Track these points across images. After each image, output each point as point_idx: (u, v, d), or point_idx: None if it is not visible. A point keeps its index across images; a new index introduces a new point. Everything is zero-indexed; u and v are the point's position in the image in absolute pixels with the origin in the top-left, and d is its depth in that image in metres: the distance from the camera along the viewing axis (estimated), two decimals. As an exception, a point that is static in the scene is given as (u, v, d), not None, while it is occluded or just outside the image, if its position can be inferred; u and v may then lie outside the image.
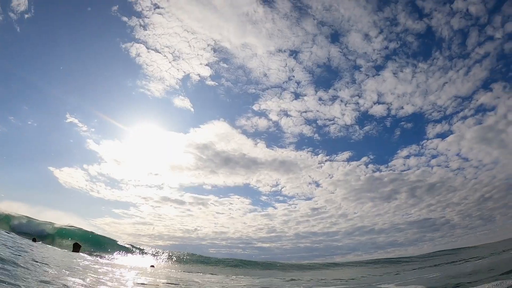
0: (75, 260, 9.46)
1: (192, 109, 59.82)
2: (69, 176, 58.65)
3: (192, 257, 36.04)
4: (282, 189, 61.12)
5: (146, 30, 52.03)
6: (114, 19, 56.11)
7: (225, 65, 58.52)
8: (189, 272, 20.22)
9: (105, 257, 25.88)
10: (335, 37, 59.21)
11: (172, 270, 18.08)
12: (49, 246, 15.02)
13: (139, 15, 51.93)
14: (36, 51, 56.83)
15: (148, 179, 70.18)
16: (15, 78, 57.34)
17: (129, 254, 32.14)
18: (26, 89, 58.40)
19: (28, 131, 58.96)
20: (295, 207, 59.47)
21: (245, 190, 70.00)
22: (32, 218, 31.45)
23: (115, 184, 69.56)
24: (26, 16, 50.65)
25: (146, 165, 72.08)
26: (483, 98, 48.66)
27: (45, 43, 57.66)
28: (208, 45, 55.09)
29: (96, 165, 62.29)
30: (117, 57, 59.49)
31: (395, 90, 56.10)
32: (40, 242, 14.84)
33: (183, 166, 62.02)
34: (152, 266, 16.74)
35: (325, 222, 58.46)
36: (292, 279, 14.45)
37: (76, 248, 13.33)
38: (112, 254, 28.99)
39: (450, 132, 53.67)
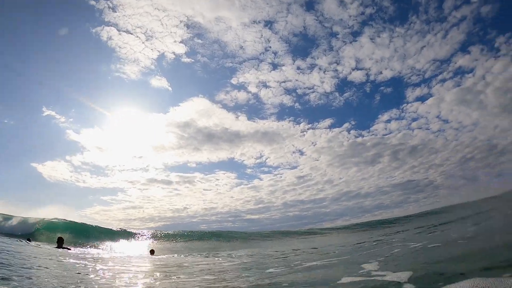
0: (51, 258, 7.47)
1: (170, 88, 57.62)
2: (52, 169, 56.44)
3: (189, 234, 35.23)
4: (267, 160, 61.66)
5: (116, 11, 48.65)
6: (81, 2, 51.51)
7: (199, 41, 56.65)
8: (189, 250, 19.52)
9: (96, 246, 24.21)
10: (310, 5, 57.81)
11: (174, 255, 16.58)
12: (42, 244, 13.42)
13: None
14: (6, 40, 51.36)
15: (133, 163, 68.66)
16: None
17: (123, 241, 30.61)
18: (2, 84, 53.52)
19: (5, 129, 55.44)
20: (281, 177, 59.46)
21: (230, 165, 69.34)
22: (22, 217, 29.38)
23: (101, 172, 67.63)
24: None
25: (129, 149, 69.76)
26: (461, 60, 48.97)
27: (8, 38, 52.21)
28: (181, 21, 52.32)
29: (79, 154, 59.31)
30: (88, 42, 55.41)
31: (373, 56, 55.48)
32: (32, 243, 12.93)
33: (166, 146, 60.67)
34: (152, 251, 15.09)
35: (311, 189, 59.15)
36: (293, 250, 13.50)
37: (60, 242, 11.32)
38: (104, 242, 27.47)
39: (430, 95, 53.86)
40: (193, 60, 58.25)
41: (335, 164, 60.33)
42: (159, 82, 55.83)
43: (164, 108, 73.19)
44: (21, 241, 11.62)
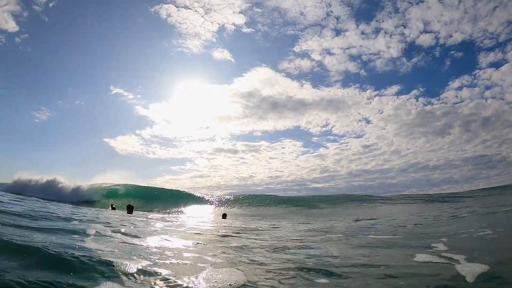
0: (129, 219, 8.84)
1: (232, 59, 59.09)
2: (124, 143, 63.66)
3: (257, 198, 36.10)
4: (333, 129, 61.46)
5: None
6: None
7: (258, 10, 56.64)
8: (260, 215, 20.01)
9: (169, 211, 25.93)
10: (373, -37, 52.33)
11: (247, 218, 18.17)
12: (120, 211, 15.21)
13: None
14: (68, 34, 58.11)
15: (200, 133, 72.97)
16: (54, 65, 59.97)
17: (195, 205, 32.50)
18: (66, 72, 61.26)
19: (77, 110, 63.49)
20: (347, 146, 58.80)
21: (296, 133, 70.60)
22: (97, 184, 33.13)
23: (169, 143, 74.24)
24: (50, 5, 50.42)
25: (195, 120, 75.37)
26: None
27: (75, 25, 58.54)
28: None
29: (148, 128, 65.94)
30: (148, 21, 58.99)
31: (442, 17, 51.19)
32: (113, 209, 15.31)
33: (232, 116, 64.02)
34: (224, 214, 16.80)
35: (377, 159, 57.50)
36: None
37: (130, 209, 12.88)
38: (178, 206, 29.27)
39: (505, 61, 48.17)
40: (253, 30, 58.33)
41: (402, 134, 57.73)
42: (221, 54, 57.43)
43: (228, 79, 76.78)
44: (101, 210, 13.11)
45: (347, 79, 63.06)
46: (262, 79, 59.88)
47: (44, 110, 57.04)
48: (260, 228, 9.32)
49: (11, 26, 48.87)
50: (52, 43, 59.48)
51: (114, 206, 17.31)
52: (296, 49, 59.37)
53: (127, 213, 12.16)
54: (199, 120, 75.04)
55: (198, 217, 15.29)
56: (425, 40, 52.72)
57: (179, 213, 22.54)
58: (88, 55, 62.92)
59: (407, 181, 54.40)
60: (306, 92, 60.41)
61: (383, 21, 53.52)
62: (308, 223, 12.64)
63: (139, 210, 18.65)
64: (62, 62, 61.45)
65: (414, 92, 55.54)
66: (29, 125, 59.06)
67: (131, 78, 67.62)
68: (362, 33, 54.99)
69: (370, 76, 59.66)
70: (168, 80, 66.80)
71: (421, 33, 51.88)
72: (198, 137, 65.31)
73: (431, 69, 56.74)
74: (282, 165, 60.28)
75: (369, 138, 58.25)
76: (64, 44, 60.89)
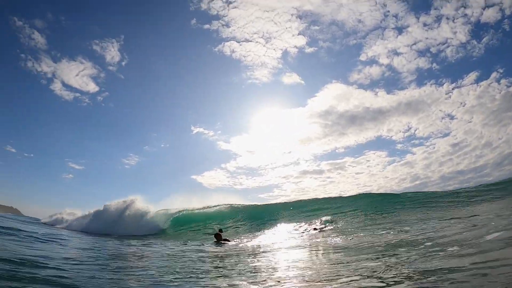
0: None
1: (302, 81, 59.96)
2: (211, 178, 65.14)
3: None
4: (416, 132, 56.79)
5: (230, 26, 55.05)
6: (197, 31, 60.94)
7: (316, 27, 57.64)
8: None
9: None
10: None
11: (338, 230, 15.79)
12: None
13: (217, 17, 54.96)
14: (144, 85, 68.04)
15: (283, 159, 73.36)
16: (136, 115, 69.97)
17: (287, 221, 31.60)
18: (149, 120, 70.29)
19: (163, 153, 70.67)
20: (434, 148, 53.44)
21: (379, 143, 66.53)
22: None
23: (255, 172, 75.14)
24: (123, 63, 60.63)
25: (277, 146, 77.16)
26: None
27: (148, 77, 68.54)
28: (292, 15, 54.88)
29: (232, 161, 69.58)
30: (215, 60, 64.68)
31: None
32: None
33: (312, 137, 63.94)
34: (315, 229, 14.98)
35: (469, 156, 50.49)
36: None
37: (218, 237, 10.50)
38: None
39: None
40: (316, 48, 58.88)
41: (490, 123, 50.22)
42: (290, 78, 58.99)
43: (302, 101, 77.42)
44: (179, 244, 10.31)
45: (421, 77, 59.03)
46: (335, 95, 59.62)
47: (132, 156, 66.06)
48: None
49: (92, 87, 60.24)
50: (131, 95, 70.16)
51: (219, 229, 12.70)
52: (362, 57, 57.52)
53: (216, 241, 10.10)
54: (281, 146, 75.70)
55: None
56: (490, 15, 46.39)
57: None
58: (165, 101, 71.65)
59: (505, 175, 43.30)
60: (382, 99, 57.90)
61: (442, 7, 49.41)
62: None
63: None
64: (142, 111, 71.31)
65: (494, 75, 48.69)
66: (120, 171, 67.66)
67: (209, 116, 73.14)
68: (424, 24, 51.40)
69: (443, 68, 54.87)
70: (245, 112, 70.31)
71: (483, 9, 46.24)
72: (282, 163, 65.56)
73: (505, 45, 49.00)
74: (370, 179, 56.72)
75: (456, 134, 52.30)
76: (142, 95, 71.04)
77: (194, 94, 72.04)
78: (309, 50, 58.62)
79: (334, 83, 59.93)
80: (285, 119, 67.71)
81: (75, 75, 59.54)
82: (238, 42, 57.01)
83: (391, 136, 57.28)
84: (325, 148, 66.22)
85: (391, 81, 62.03)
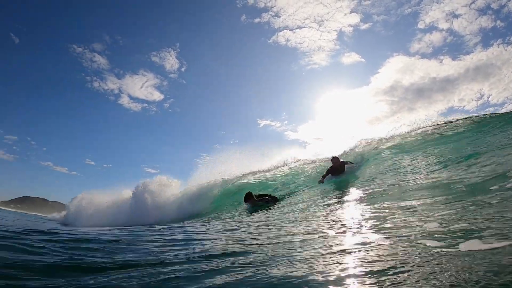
0: None
1: (362, 59, 59.37)
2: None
3: None
4: (489, 99, 51.90)
5: (280, 16, 52.82)
6: (248, 25, 58.41)
7: (368, 2, 54.23)
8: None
9: None
10: None
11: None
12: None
13: (265, 9, 53.76)
14: (206, 87, 67.65)
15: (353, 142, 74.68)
16: (203, 116, 68.34)
17: None
18: (215, 120, 68.20)
19: (234, 149, 70.41)
20: None
21: (452, 115, 63.91)
22: None
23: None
24: (182, 69, 58.39)
25: (345, 130, 72.26)
26: None
27: (209, 78, 68.68)
28: None
29: (302, 149, 69.18)
30: (272, 52, 64.32)
31: None
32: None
33: (380, 116, 63.34)
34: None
35: None
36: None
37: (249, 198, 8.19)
38: None
39: None
40: (371, 24, 56.28)
41: None
42: (350, 58, 57.63)
43: (365, 80, 74.00)
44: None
45: (486, 38, 51.85)
46: (398, 68, 55.11)
47: (204, 156, 63.52)
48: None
49: (157, 96, 59.36)
50: (195, 98, 70.19)
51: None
52: (421, 25, 53.52)
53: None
54: (349, 129, 71.60)
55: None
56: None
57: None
58: (228, 98, 71.56)
59: None
60: (448, 67, 52.30)
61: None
62: None
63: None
64: (208, 112, 69.44)
65: None
66: (194, 171, 68.37)
67: (273, 108, 70.82)
68: (481, -21, 41.44)
69: (509, 25, 46.82)
70: (308, 99, 68.21)
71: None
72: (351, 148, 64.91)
73: None
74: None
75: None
76: (205, 96, 70.99)
77: (256, 87, 69.96)
78: (364, 26, 55.61)
79: (395, 56, 54.64)
80: (350, 101, 62.83)
81: (140, 87, 57.28)
82: (291, 30, 54.78)
83: (464, 106, 48.76)
84: (396, 126, 65.19)
85: (454, 46, 54.52)
